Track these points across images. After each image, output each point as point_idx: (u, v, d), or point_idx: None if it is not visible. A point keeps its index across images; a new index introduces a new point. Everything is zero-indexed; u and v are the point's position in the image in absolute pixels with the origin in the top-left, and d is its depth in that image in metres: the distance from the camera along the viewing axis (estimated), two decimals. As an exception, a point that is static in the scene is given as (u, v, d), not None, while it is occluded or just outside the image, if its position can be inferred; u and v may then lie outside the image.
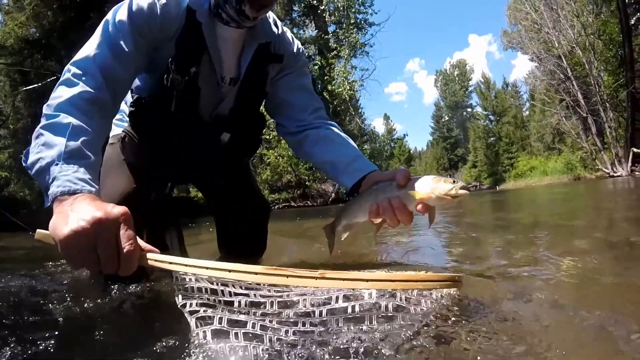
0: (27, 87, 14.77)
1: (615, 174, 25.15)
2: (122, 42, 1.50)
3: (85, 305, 1.51)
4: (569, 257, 1.98)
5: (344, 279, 0.96)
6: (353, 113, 29.47)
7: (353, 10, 28.03)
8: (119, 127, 1.99)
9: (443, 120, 75.37)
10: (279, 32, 1.89)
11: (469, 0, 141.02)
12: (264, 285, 1.04)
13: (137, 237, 1.09)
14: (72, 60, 1.44)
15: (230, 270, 0.99)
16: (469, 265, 2.00)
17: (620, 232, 3.00)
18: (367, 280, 0.96)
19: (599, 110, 29.72)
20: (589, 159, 31.42)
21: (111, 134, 1.98)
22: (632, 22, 26.46)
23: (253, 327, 0.98)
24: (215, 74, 1.77)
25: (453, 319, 1.09)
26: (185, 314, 1.00)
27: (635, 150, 23.64)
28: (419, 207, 1.30)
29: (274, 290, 1.06)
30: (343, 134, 1.89)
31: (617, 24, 26.28)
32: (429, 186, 1.27)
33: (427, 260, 2.28)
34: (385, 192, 1.37)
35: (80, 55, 1.46)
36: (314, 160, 1.89)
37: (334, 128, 1.91)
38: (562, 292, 1.43)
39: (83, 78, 1.38)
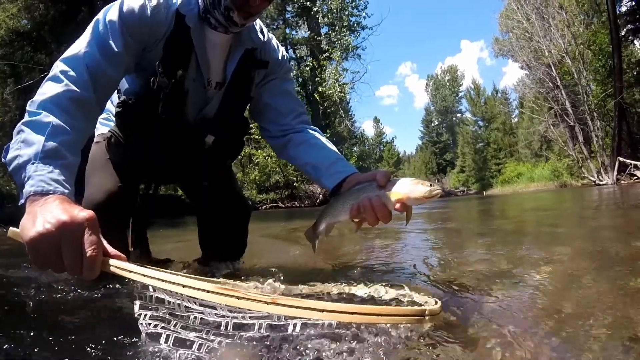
0: (18, 87, 14.63)
1: (601, 182, 25.34)
2: (111, 42, 1.51)
3: (52, 303, 1.54)
4: (548, 265, 2.02)
5: (296, 307, 0.93)
6: (343, 115, 29.54)
7: (346, 12, 28.04)
8: (105, 126, 2.00)
9: (433, 124, 75.65)
10: (265, 39, 1.93)
11: (461, 7, 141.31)
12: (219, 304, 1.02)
13: (104, 242, 1.09)
14: (61, 57, 1.45)
15: (184, 286, 0.97)
16: (448, 273, 2.02)
17: (601, 240, 3.02)
18: (322, 311, 0.93)
19: (586, 119, 29.93)
20: (575, 166, 31.63)
21: (97, 133, 2.01)
22: (622, 34, 26.68)
23: (199, 349, 0.97)
24: (202, 77, 1.79)
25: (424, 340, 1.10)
26: (139, 325, 1.01)
27: (621, 159, 23.83)
28: (397, 206, 1.37)
29: (228, 310, 1.03)
30: (324, 138, 1.92)
31: (607, 35, 26.46)
32: (407, 187, 1.37)
33: (410, 266, 2.28)
34: (365, 191, 1.43)
35: (69, 52, 1.46)
36: (296, 163, 1.92)
37: (315, 132, 1.94)
38: (541, 301, 1.46)
39: (69, 76, 1.39)
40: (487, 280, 1.77)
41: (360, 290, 1.44)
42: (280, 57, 1.99)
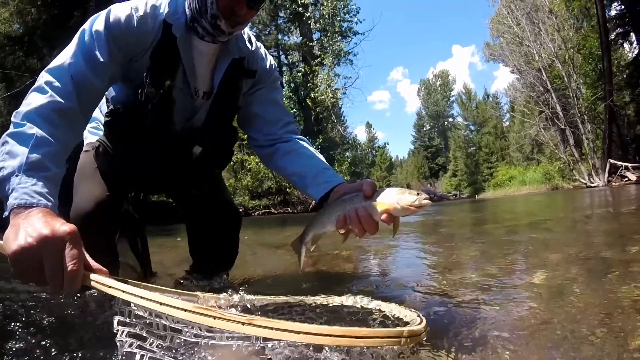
0: (9, 93, 14.53)
1: (592, 184, 25.52)
2: (97, 52, 1.50)
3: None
4: (540, 272, 2.02)
5: (272, 329, 0.91)
6: (335, 121, 29.57)
7: (338, 18, 28.19)
8: (94, 135, 1.99)
9: (424, 129, 75.88)
10: (253, 48, 1.92)
11: (453, 12, 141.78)
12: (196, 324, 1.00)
13: (87, 256, 1.09)
14: (46, 68, 1.44)
15: (161, 303, 0.96)
16: (438, 280, 2.03)
17: (593, 245, 3.04)
18: (299, 333, 0.91)
19: (577, 122, 30.18)
20: (566, 169, 31.85)
21: (86, 142, 2.00)
22: (612, 37, 26.98)
23: None
24: (189, 87, 1.78)
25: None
26: (116, 341, 0.99)
27: (612, 161, 24.01)
28: (384, 216, 1.32)
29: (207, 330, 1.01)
30: (311, 148, 1.92)
31: (597, 39, 26.75)
32: (394, 197, 1.31)
33: (400, 273, 2.29)
34: (352, 202, 1.40)
35: (55, 63, 1.46)
36: (283, 172, 1.91)
37: (303, 142, 1.93)
38: (532, 309, 1.46)
39: (54, 87, 1.38)
40: (479, 289, 1.77)
41: (345, 301, 1.41)
42: (268, 66, 1.98)
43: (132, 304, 1.01)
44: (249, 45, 1.90)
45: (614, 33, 27.57)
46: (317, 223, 1.55)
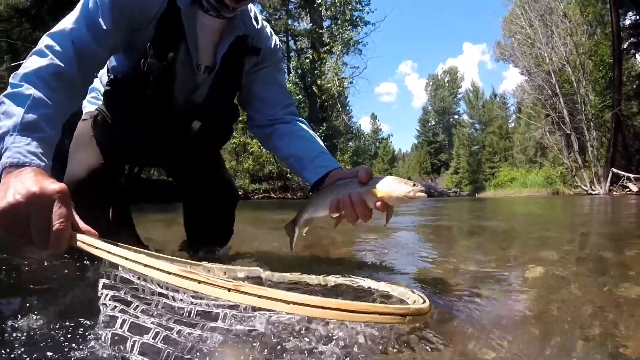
0: (13, 64, 14.49)
1: (593, 192, 25.53)
2: (100, 20, 1.48)
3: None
4: (537, 267, 2.01)
5: (260, 296, 0.86)
6: (340, 109, 29.49)
7: (349, 7, 27.95)
8: (93, 104, 1.97)
9: (429, 124, 75.79)
10: (259, 26, 1.90)
11: (466, 9, 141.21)
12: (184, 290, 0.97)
13: (77, 217, 1.09)
14: (48, 32, 1.42)
15: (145, 265, 0.93)
16: (435, 272, 2.00)
17: (591, 246, 3.03)
18: (288, 302, 0.85)
19: (582, 129, 30.11)
20: (569, 175, 31.81)
21: (85, 111, 1.99)
22: (625, 46, 26.86)
23: (155, 337, 0.91)
24: (191, 60, 1.76)
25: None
26: (100, 305, 0.97)
27: (614, 170, 23.98)
28: (378, 204, 1.32)
29: (194, 297, 0.99)
30: (311, 131, 1.91)
31: (609, 47, 26.67)
32: (390, 186, 1.31)
33: (399, 262, 2.29)
34: (346, 188, 1.39)
35: (57, 27, 1.44)
36: (279, 154, 1.91)
37: (302, 124, 1.92)
38: (528, 304, 1.45)
39: (54, 51, 1.36)
40: (475, 281, 1.77)
41: (345, 281, 1.37)
42: (273, 45, 1.97)
43: (119, 267, 0.99)
44: (254, 23, 1.89)
45: (627, 42, 27.46)
46: (310, 207, 1.54)
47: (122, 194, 2.07)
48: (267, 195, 23.24)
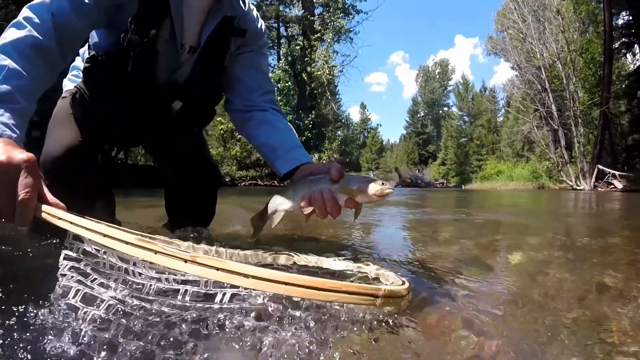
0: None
1: (579, 187, 25.77)
2: None
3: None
4: (520, 253, 2.06)
5: (217, 268, 0.82)
6: (330, 98, 29.49)
7: (342, -5, 27.85)
8: (73, 82, 1.95)
9: (418, 115, 75.93)
10: (246, 8, 1.89)
11: (459, 2, 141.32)
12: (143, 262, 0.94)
13: (45, 190, 1.07)
14: (28, 4, 1.39)
15: (104, 235, 0.90)
16: (418, 256, 2.00)
17: (574, 235, 3.03)
18: (247, 277, 0.81)
19: (570, 125, 30.29)
20: (555, 170, 32.07)
21: (65, 89, 1.96)
22: (616, 46, 27.02)
23: (107, 309, 0.88)
24: (175, 40, 1.74)
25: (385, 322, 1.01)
26: (58, 275, 0.95)
27: (600, 167, 24.20)
28: (349, 202, 1.38)
29: (153, 270, 0.95)
30: (286, 122, 1.92)
31: (601, 45, 26.82)
32: (359, 184, 1.38)
33: (381, 245, 2.33)
34: (318, 183, 1.44)
35: None
36: (254, 141, 1.91)
37: (279, 114, 1.93)
38: (511, 287, 1.45)
39: (33, 23, 1.33)
40: (458, 265, 1.78)
41: (325, 262, 1.37)
42: (258, 29, 1.96)
43: (83, 241, 0.96)
44: (242, 4, 1.86)
45: (619, 42, 27.62)
46: (281, 200, 1.57)
47: (102, 173, 2.03)
48: (254, 182, 23.20)
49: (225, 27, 1.79)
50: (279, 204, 1.57)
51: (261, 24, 1.98)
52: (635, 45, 27.56)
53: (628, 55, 29.32)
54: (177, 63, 1.84)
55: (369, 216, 3.85)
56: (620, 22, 27.78)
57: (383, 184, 1.36)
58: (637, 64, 28.04)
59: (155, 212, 3.11)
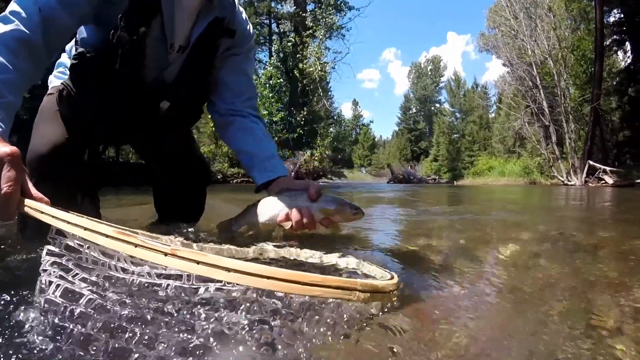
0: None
1: (570, 183, 25.87)
2: None
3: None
4: (511, 245, 2.05)
5: (198, 262, 0.80)
6: (321, 94, 29.46)
7: (334, -9, 27.83)
8: (59, 79, 1.92)
9: (411, 112, 76.13)
10: (236, 10, 1.89)
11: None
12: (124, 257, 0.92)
13: (29, 184, 1.05)
14: None
15: (85, 228, 0.89)
16: (408, 248, 1.99)
17: (565, 228, 3.02)
18: (229, 270, 0.79)
19: (561, 121, 30.41)
20: (546, 165, 32.17)
21: (51, 86, 1.94)
22: (607, 43, 27.15)
23: (86, 303, 0.87)
24: (165, 39, 1.73)
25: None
26: (40, 270, 0.93)
27: (591, 162, 24.32)
28: (324, 220, 1.51)
29: (132, 264, 0.93)
30: (265, 130, 1.97)
31: (592, 42, 26.93)
32: (336, 206, 1.53)
33: (371, 237, 2.32)
34: (296, 201, 1.53)
35: None
36: (233, 147, 1.95)
37: (259, 122, 1.97)
38: (501, 280, 1.43)
39: (20, 17, 1.32)
40: (449, 258, 1.77)
41: (309, 256, 1.33)
42: (247, 32, 1.96)
43: (66, 235, 0.94)
44: (231, 6, 1.86)
45: (610, 39, 27.76)
46: (258, 212, 1.63)
47: (89, 171, 2.00)
48: (245, 179, 23.14)
49: (216, 28, 1.78)
50: (256, 216, 1.62)
51: (250, 27, 1.98)
52: (627, 43, 27.71)
53: (619, 53, 29.52)
54: (165, 62, 1.82)
55: (364, 206, 3.85)
56: (611, 19, 27.93)
57: (357, 207, 1.55)
58: (628, 61, 28.23)
59: (146, 210, 3.10)
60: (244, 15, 1.96)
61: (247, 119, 1.93)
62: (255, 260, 1.29)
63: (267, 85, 25.01)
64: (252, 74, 2.09)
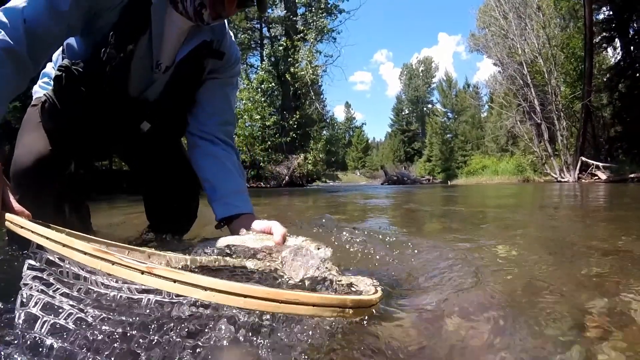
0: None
1: (563, 180, 25.96)
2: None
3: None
4: (504, 248, 2.05)
5: (175, 281, 0.80)
6: (314, 98, 29.49)
7: (324, -5, 27.87)
8: (43, 89, 1.89)
9: (403, 113, 76.36)
10: (225, 32, 1.87)
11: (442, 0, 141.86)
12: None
13: (11, 197, 1.05)
14: (2, 7, 1.35)
15: (64, 245, 0.88)
16: (399, 252, 1.95)
17: (559, 230, 3.04)
18: (206, 289, 0.78)
19: (553, 119, 30.53)
20: (539, 163, 32.25)
21: (35, 96, 1.91)
22: (597, 40, 27.29)
23: (67, 318, 0.86)
24: (151, 58, 1.70)
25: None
26: (21, 284, 0.92)
27: (583, 159, 24.42)
28: None
29: (113, 279, 0.93)
30: (236, 160, 1.89)
31: (582, 40, 27.07)
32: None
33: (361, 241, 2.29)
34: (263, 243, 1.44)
35: (11, 3, 1.37)
36: (198, 172, 1.88)
37: (231, 151, 1.90)
38: (493, 283, 1.44)
39: (4, 26, 1.30)
40: (440, 261, 1.76)
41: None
42: (234, 56, 1.93)
43: (46, 250, 0.94)
44: (221, 29, 1.84)
45: (599, 37, 27.90)
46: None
47: (75, 183, 2.00)
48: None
49: (203, 51, 1.76)
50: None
51: (237, 50, 1.95)
52: (616, 39, 27.85)
53: (609, 49, 29.66)
54: (150, 80, 1.80)
55: (352, 212, 3.83)
56: (600, 17, 28.06)
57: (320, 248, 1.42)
58: (618, 58, 28.37)
59: (139, 218, 3.09)
60: (233, 39, 1.94)
61: (217, 147, 1.86)
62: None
63: (259, 89, 24.98)
64: (234, 100, 2.04)
